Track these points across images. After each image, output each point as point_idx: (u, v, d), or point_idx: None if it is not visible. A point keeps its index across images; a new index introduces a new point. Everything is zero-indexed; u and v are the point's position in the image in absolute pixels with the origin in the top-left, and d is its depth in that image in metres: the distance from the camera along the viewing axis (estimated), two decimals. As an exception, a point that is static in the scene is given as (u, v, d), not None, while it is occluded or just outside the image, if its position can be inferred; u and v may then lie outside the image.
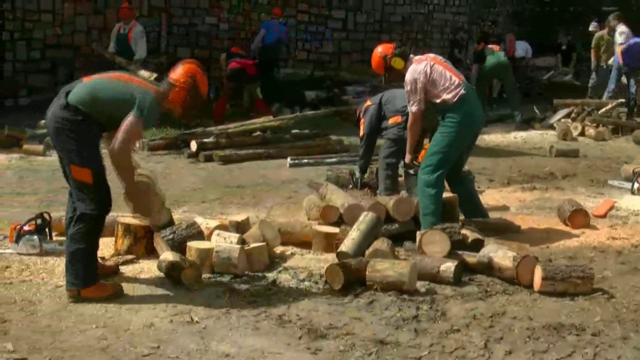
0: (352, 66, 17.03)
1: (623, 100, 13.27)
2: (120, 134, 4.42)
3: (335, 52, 17.34)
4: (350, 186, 7.36)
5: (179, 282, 4.78)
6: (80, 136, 4.46)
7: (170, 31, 14.74)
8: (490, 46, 13.60)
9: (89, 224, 4.50)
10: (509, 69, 13.22)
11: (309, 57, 16.64)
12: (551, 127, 12.76)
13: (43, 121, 11.11)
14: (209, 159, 9.44)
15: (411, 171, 6.28)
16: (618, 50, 13.81)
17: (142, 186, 4.81)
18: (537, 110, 14.01)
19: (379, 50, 6.36)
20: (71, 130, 4.45)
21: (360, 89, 14.52)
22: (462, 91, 5.84)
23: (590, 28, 16.80)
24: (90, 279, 4.53)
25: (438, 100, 5.89)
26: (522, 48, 14.93)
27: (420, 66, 5.92)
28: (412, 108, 5.96)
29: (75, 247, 4.51)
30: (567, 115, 13.10)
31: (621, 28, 13.96)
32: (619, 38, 13.90)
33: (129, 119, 4.43)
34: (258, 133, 10.37)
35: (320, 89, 14.33)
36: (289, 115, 12.08)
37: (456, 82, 5.87)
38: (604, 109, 12.91)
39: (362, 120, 7.38)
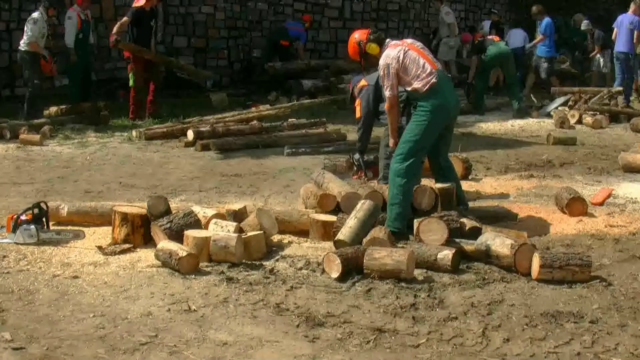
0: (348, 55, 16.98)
1: (621, 88, 13.27)
2: None
3: (332, 41, 17.31)
4: (355, 169, 7.38)
5: (176, 271, 4.78)
6: None
7: (166, 21, 14.68)
8: (490, 37, 13.62)
9: None
10: (511, 59, 13.19)
11: (306, 46, 16.61)
12: (549, 115, 12.76)
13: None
14: (206, 147, 9.43)
15: None
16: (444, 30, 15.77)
17: None
18: (534, 99, 13.98)
19: (355, 36, 6.34)
20: None
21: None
22: (434, 80, 5.73)
23: (582, 27, 16.78)
24: None
25: (409, 88, 5.83)
26: (520, 36, 14.94)
27: (393, 51, 5.85)
28: (387, 92, 5.90)
29: None
30: (565, 103, 13.10)
31: (446, 9, 16.04)
32: (446, 18, 15.44)
33: None
34: (255, 122, 10.36)
35: (317, 77, 14.32)
36: (286, 104, 12.07)
37: (428, 70, 5.76)
38: (597, 97, 12.89)
39: (357, 101, 7.34)
